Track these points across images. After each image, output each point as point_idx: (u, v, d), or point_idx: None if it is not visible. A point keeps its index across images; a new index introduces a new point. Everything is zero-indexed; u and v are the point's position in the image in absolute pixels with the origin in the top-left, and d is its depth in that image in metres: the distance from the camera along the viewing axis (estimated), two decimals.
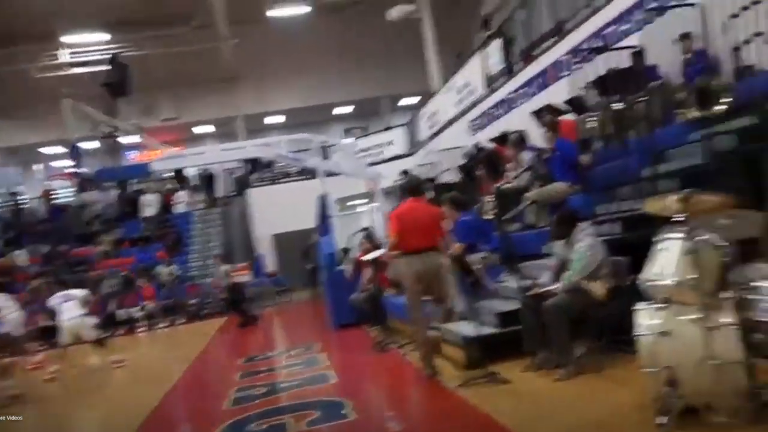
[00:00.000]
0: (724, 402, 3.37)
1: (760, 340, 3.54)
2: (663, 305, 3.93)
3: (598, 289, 4.88)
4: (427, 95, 19.82)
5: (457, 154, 13.85)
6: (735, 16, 6.22)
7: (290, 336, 12.10)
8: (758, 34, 6.14)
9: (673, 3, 7.02)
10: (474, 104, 15.25)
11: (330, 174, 13.09)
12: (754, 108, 6.13)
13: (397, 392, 6.44)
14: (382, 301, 8.84)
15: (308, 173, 16.85)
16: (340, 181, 13.87)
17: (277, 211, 18.37)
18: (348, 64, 24.70)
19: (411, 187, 6.63)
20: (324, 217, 11.99)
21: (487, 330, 5.92)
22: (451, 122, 16.75)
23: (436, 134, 17.84)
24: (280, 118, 27.95)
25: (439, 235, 6.08)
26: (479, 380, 5.35)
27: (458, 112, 16.24)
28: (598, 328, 5.39)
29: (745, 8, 6.16)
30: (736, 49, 6.35)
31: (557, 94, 10.21)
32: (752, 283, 3.47)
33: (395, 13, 19.29)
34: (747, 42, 6.24)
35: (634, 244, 5.91)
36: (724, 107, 6.32)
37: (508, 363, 5.58)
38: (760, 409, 3.44)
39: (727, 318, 3.61)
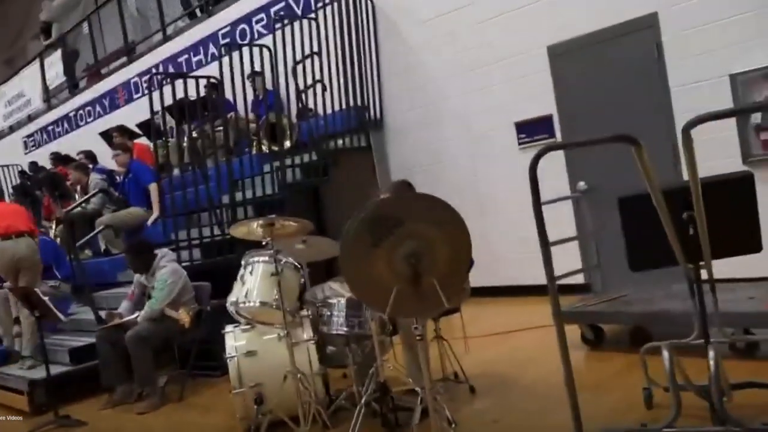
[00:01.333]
0: (306, 411, 3.68)
1: (332, 352, 4.01)
2: (248, 326, 4.13)
3: (182, 315, 4.85)
4: None
5: (7, 172, 12.24)
6: (299, 62, 7.00)
7: None
8: (317, 82, 7.02)
9: (248, 42, 7.52)
10: (30, 118, 13.70)
11: None
12: (314, 146, 6.97)
13: None
14: None
15: None
16: None
17: None
18: None
19: None
20: None
21: (58, 369, 5.32)
22: None
23: None
24: None
25: None
26: (48, 427, 4.76)
27: (8, 125, 14.38)
28: (182, 355, 5.35)
29: (307, 57, 6.98)
30: (300, 92, 7.13)
31: (129, 115, 9.89)
32: (327, 301, 3.89)
33: None
34: (308, 87, 7.07)
35: (214, 269, 6.10)
36: (290, 143, 7.04)
37: (84, 403, 5.11)
38: (335, 415, 3.87)
39: (306, 334, 3.99)
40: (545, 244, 2.43)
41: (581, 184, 5.99)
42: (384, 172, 7.63)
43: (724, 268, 3.33)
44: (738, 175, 2.94)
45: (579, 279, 5.71)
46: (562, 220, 5.91)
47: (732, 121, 5.12)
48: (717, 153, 4.95)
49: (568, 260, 5.32)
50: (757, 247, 2.85)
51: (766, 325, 3.71)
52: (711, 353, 2.52)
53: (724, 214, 2.79)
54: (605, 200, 3.65)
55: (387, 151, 7.66)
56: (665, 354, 2.67)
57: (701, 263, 2.82)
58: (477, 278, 4.48)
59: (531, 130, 6.36)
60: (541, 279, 2.64)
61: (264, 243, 3.81)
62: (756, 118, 5.06)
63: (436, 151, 7.21)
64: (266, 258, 3.93)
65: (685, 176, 2.51)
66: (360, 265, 2.81)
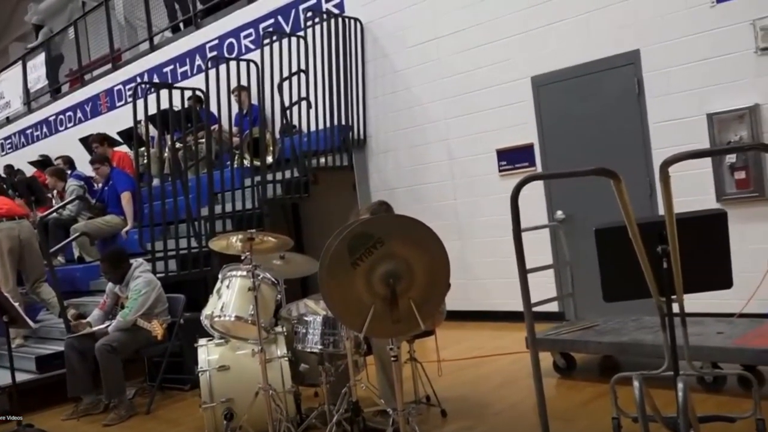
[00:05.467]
0: (276, 429, 3.65)
1: (305, 370, 3.99)
2: (222, 341, 4.11)
3: (155, 327, 4.79)
4: None
5: None
6: (285, 79, 7.03)
7: None
8: (303, 99, 7.05)
9: (235, 57, 7.55)
10: (9, 120, 13.55)
11: None
12: (296, 162, 6.99)
13: None
14: None
15: None
16: None
17: None
18: None
19: None
20: None
21: (24, 376, 5.21)
22: None
23: None
24: None
25: None
26: None
27: None
28: (152, 367, 5.28)
29: (294, 74, 7.01)
30: (285, 109, 7.16)
31: (110, 122, 9.84)
32: (303, 318, 3.89)
33: None
34: (293, 104, 7.10)
35: (190, 282, 6.06)
36: (272, 158, 7.04)
37: (48, 412, 5.01)
38: None
39: (279, 351, 3.98)
40: (523, 272, 2.46)
41: (559, 213, 6.07)
42: (364, 191, 7.66)
43: (695, 302, 3.40)
44: (712, 213, 3.01)
45: (553, 307, 5.77)
46: (539, 248, 5.97)
47: (708, 160, 5.23)
48: (692, 190, 5.08)
49: (543, 288, 5.38)
50: (727, 284, 2.91)
51: (734, 360, 3.77)
52: (680, 385, 2.56)
53: (697, 250, 2.85)
54: (582, 230, 3.72)
55: (368, 171, 7.70)
56: (636, 384, 2.70)
57: (673, 297, 2.87)
58: (453, 302, 4.51)
59: (512, 157, 6.44)
60: (515, 305, 2.69)
61: (242, 257, 3.80)
62: (731, 158, 5.18)
63: (417, 174, 7.26)
64: (244, 272, 3.91)
65: (660, 210, 2.57)
66: (338, 283, 2.82)
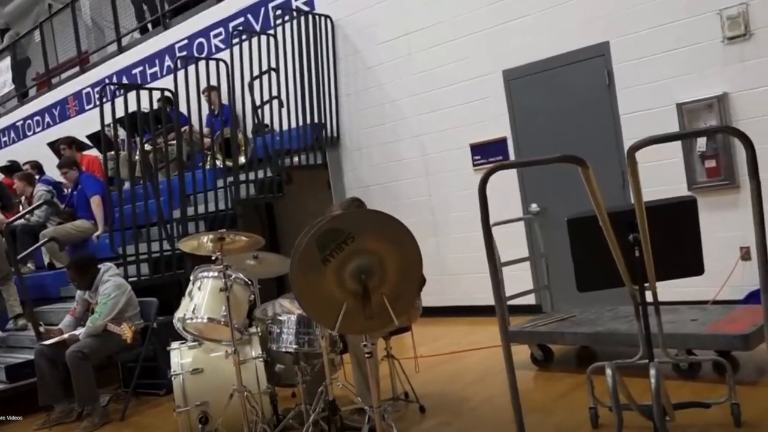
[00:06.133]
0: (252, 431, 3.60)
1: (281, 370, 3.93)
2: (194, 343, 4.04)
3: (125, 330, 4.70)
4: None
5: None
6: (256, 78, 6.95)
7: None
8: (274, 98, 6.98)
9: (204, 56, 7.45)
10: None
11: None
12: (269, 162, 6.92)
13: None
14: None
15: None
16: None
17: None
18: None
19: None
20: None
21: None
22: None
23: None
24: None
25: None
26: None
27: None
28: (124, 372, 5.18)
29: (264, 72, 6.94)
30: (256, 108, 7.08)
31: (78, 126, 9.66)
32: (277, 317, 3.83)
33: None
34: (264, 103, 7.02)
35: (163, 285, 5.96)
36: (244, 159, 6.96)
37: (20, 423, 4.89)
38: None
39: (254, 351, 3.92)
40: (494, 264, 2.44)
41: (533, 206, 6.08)
42: (339, 189, 7.61)
43: (669, 291, 3.41)
44: (682, 199, 3.02)
45: (530, 300, 5.79)
46: (514, 242, 5.98)
47: (679, 149, 5.28)
48: (664, 179, 5.12)
49: (520, 281, 5.38)
50: (699, 270, 2.92)
51: (709, 346, 3.79)
52: (652, 371, 2.56)
53: (668, 237, 2.86)
54: (557, 222, 3.71)
55: (343, 169, 7.65)
56: (608, 373, 2.70)
57: (646, 285, 2.87)
58: (429, 297, 4.50)
59: (485, 151, 6.44)
60: (491, 299, 2.66)
61: (213, 258, 3.74)
62: (701, 146, 5.23)
63: (391, 170, 7.23)
64: (215, 273, 3.85)
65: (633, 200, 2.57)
66: (309, 280, 2.77)
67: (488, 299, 5.00)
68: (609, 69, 5.66)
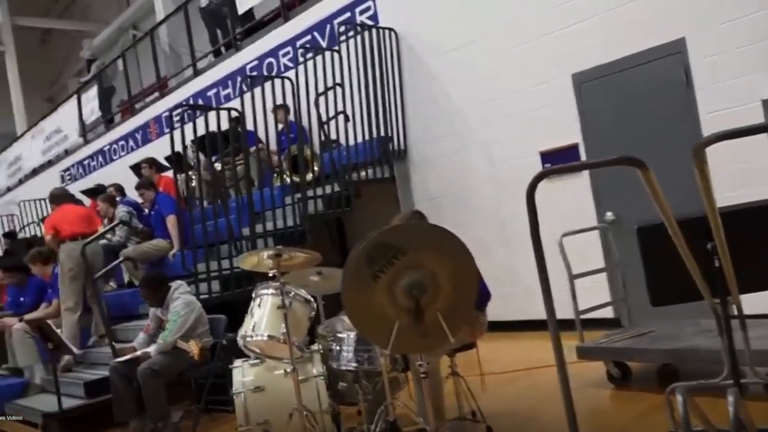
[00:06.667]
0: None
1: (344, 388, 3.85)
2: (256, 361, 4.02)
3: (192, 347, 4.76)
4: (11, 138, 17.55)
5: (43, 205, 12.48)
6: (321, 94, 6.98)
7: None
8: (340, 112, 6.99)
9: (271, 75, 7.56)
10: (67, 153, 14.04)
11: None
12: (337, 177, 6.91)
13: None
14: None
15: None
16: None
17: None
18: None
19: None
20: None
21: (73, 402, 5.26)
22: (36, 171, 15.14)
23: (20, 183, 15.86)
24: None
25: None
26: None
27: (47, 159, 14.76)
28: (196, 389, 5.25)
29: (329, 88, 6.96)
30: (323, 123, 7.11)
31: (159, 149, 10.02)
32: (337, 335, 3.77)
33: None
34: (331, 118, 7.04)
35: (233, 302, 6.03)
36: (313, 175, 7.00)
37: None
38: None
39: (315, 369, 3.86)
40: (544, 276, 2.28)
41: (609, 215, 5.78)
42: (408, 202, 7.52)
43: (757, 303, 3.11)
44: (764, 203, 2.74)
45: (609, 313, 5.48)
46: (589, 252, 5.70)
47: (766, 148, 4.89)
48: (753, 180, 4.74)
49: (596, 293, 5.11)
50: None
51: None
52: (730, 398, 2.31)
53: (752, 245, 2.60)
54: (633, 231, 3.48)
55: (411, 181, 7.56)
56: (679, 399, 2.47)
57: (729, 297, 2.61)
58: (499, 311, 4.33)
59: (556, 159, 6.18)
60: (566, 313, 2.50)
61: (271, 275, 3.72)
62: None
63: (460, 181, 7.08)
64: (273, 290, 3.83)
65: None
66: (360, 297, 2.69)
67: (563, 313, 4.78)
68: (686, 66, 5.33)
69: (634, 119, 5.66)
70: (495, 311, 4.03)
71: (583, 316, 4.38)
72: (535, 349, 5.66)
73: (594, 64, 5.87)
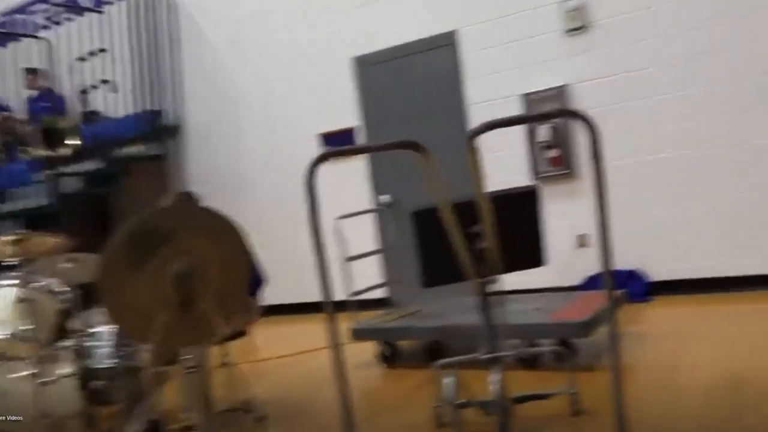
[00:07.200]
0: None
1: (99, 387, 3.46)
2: None
3: None
4: None
5: None
6: (82, 59, 6.27)
7: None
8: (105, 81, 6.33)
9: (19, 33, 6.64)
10: None
11: None
12: (101, 152, 6.28)
13: None
14: None
15: None
16: None
17: None
18: None
19: None
20: None
21: None
22: None
23: None
24: None
25: None
26: None
27: None
28: None
29: (92, 53, 6.27)
30: (84, 92, 6.39)
31: None
32: (90, 330, 3.37)
33: None
34: (94, 87, 6.36)
35: None
36: (71, 149, 6.26)
37: None
38: None
39: (65, 369, 3.42)
40: (321, 259, 2.21)
41: (385, 198, 5.93)
42: (181, 182, 7.09)
43: (512, 278, 3.35)
44: (522, 189, 2.93)
45: (384, 294, 5.64)
46: (365, 235, 5.81)
47: (522, 140, 5.33)
48: (510, 169, 5.14)
49: (372, 275, 5.21)
50: (539, 262, 2.84)
51: (552, 336, 3.79)
52: (493, 376, 2.44)
53: (510, 228, 2.75)
54: (408, 215, 3.56)
55: (187, 161, 7.13)
56: (444, 382, 2.57)
57: (491, 277, 2.75)
58: (278, 295, 4.21)
59: (335, 141, 6.20)
60: (340, 295, 2.45)
61: (12, 264, 3.22)
62: (543, 137, 5.31)
63: (237, 161, 6.82)
64: (15, 281, 3.32)
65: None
66: (120, 287, 2.39)
67: (340, 295, 4.81)
68: (458, 58, 5.62)
69: (411, 105, 5.85)
70: (272, 295, 3.90)
71: (358, 297, 4.42)
72: (311, 332, 5.66)
73: (376, 48, 5.96)
